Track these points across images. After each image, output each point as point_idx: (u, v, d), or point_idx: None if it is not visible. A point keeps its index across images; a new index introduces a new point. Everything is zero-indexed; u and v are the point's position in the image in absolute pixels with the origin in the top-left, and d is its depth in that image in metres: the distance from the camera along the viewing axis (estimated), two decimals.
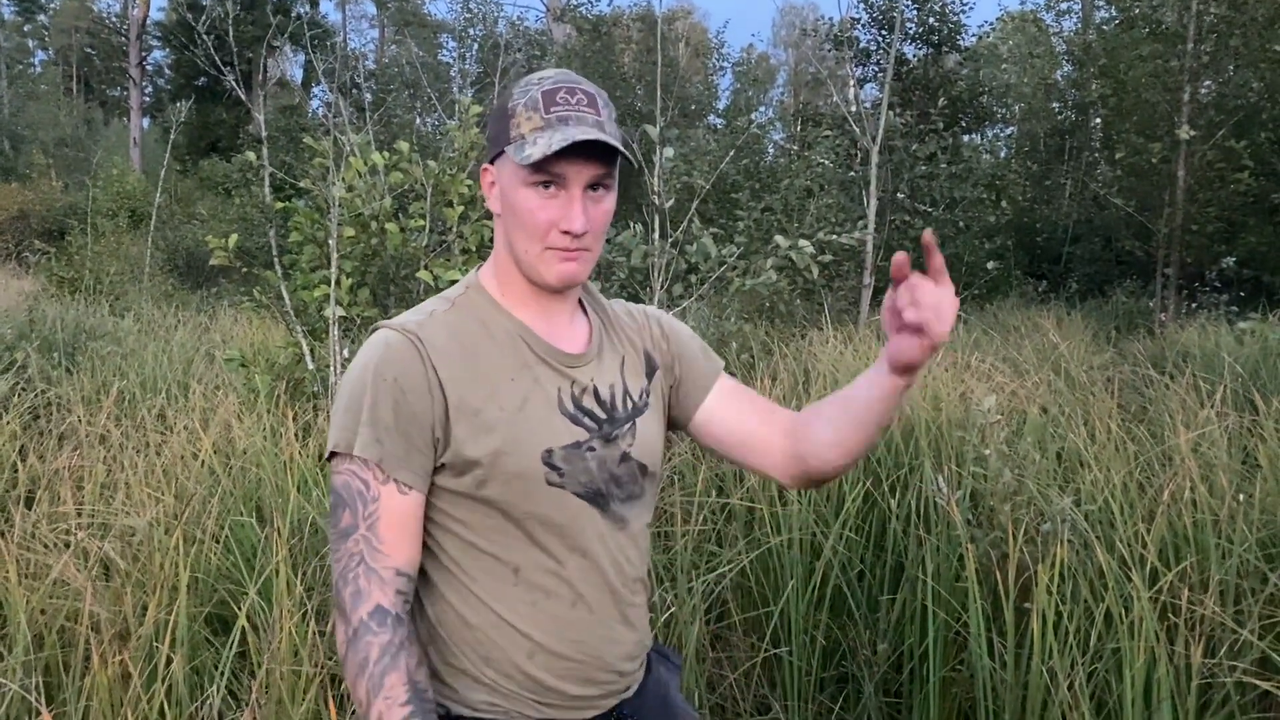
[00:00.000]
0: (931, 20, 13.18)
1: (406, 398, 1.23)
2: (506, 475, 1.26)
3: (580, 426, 1.31)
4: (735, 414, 1.46)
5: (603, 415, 1.34)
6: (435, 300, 1.36)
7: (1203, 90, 11.22)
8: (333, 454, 1.26)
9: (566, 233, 1.26)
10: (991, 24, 15.11)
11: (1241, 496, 2.80)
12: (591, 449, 1.31)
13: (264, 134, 5.71)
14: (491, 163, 1.34)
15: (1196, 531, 2.76)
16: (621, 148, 1.26)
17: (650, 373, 1.44)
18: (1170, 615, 2.46)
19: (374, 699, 1.16)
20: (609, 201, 1.31)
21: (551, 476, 1.28)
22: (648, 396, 1.42)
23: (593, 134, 1.23)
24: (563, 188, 1.26)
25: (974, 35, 13.82)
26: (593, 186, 1.28)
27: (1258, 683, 2.22)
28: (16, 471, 3.64)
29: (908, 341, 1.22)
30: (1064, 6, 19.86)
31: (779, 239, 5.17)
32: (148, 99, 30.12)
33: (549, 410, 1.30)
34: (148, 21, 26.89)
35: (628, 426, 1.36)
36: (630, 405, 1.38)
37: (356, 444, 1.23)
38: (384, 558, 1.21)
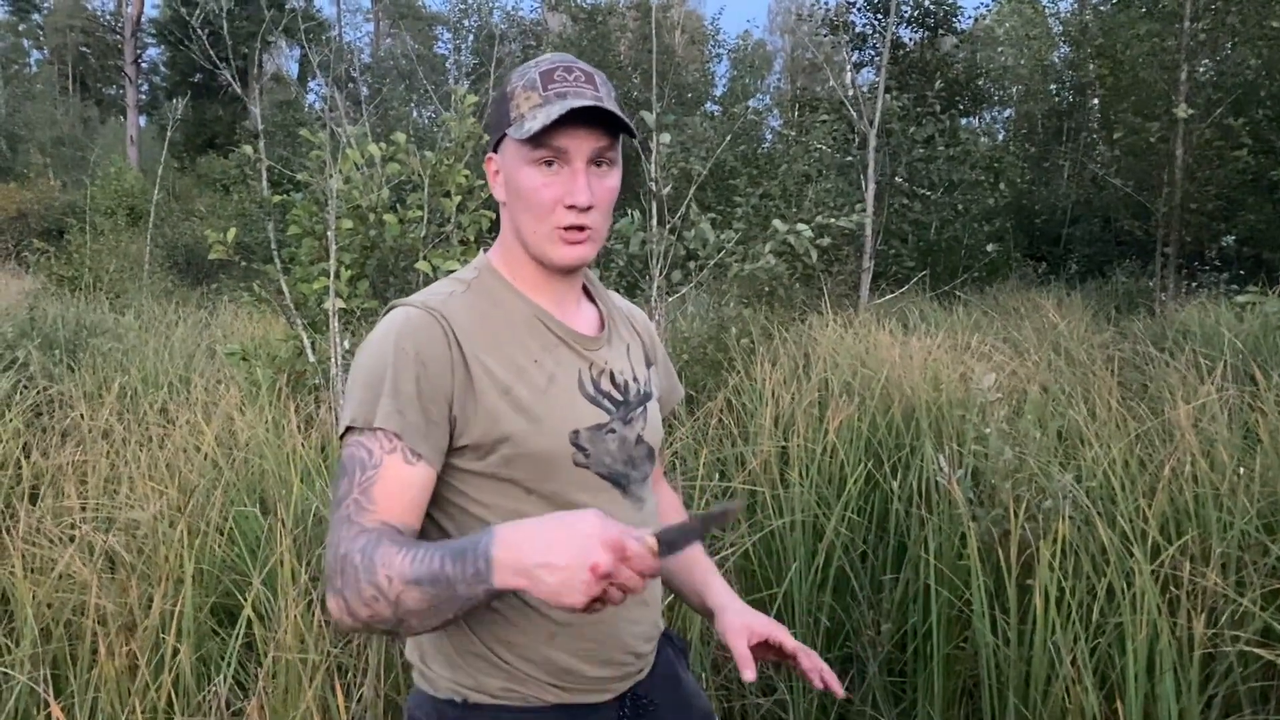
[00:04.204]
0: (927, 3, 13.14)
1: (428, 370, 1.21)
2: (534, 455, 1.25)
3: (600, 408, 1.32)
4: None
5: (619, 398, 1.35)
6: (449, 282, 1.34)
7: (1200, 68, 11.18)
8: (348, 429, 1.22)
9: (572, 207, 1.25)
10: (988, 6, 15.06)
11: (1242, 470, 2.80)
12: (612, 431, 1.32)
13: (260, 128, 5.71)
14: (495, 150, 1.32)
15: (1197, 506, 2.77)
16: (621, 114, 1.25)
17: (649, 364, 1.48)
18: (1172, 588, 2.47)
19: (376, 578, 1.07)
20: (613, 178, 1.29)
21: (578, 457, 1.28)
22: (651, 384, 1.44)
23: (590, 102, 1.22)
24: (565, 163, 1.25)
25: (970, 18, 13.79)
26: (596, 163, 1.27)
27: (1260, 652, 2.23)
28: (20, 468, 3.65)
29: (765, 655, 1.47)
30: None
31: (777, 224, 5.17)
32: (144, 97, 30.03)
33: (572, 391, 1.30)
34: (142, 19, 26.81)
35: (640, 410, 1.38)
36: (640, 390, 1.40)
37: (377, 416, 1.19)
38: (369, 514, 1.15)
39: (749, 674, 1.36)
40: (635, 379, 1.40)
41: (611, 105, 1.25)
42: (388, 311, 1.29)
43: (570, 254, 1.28)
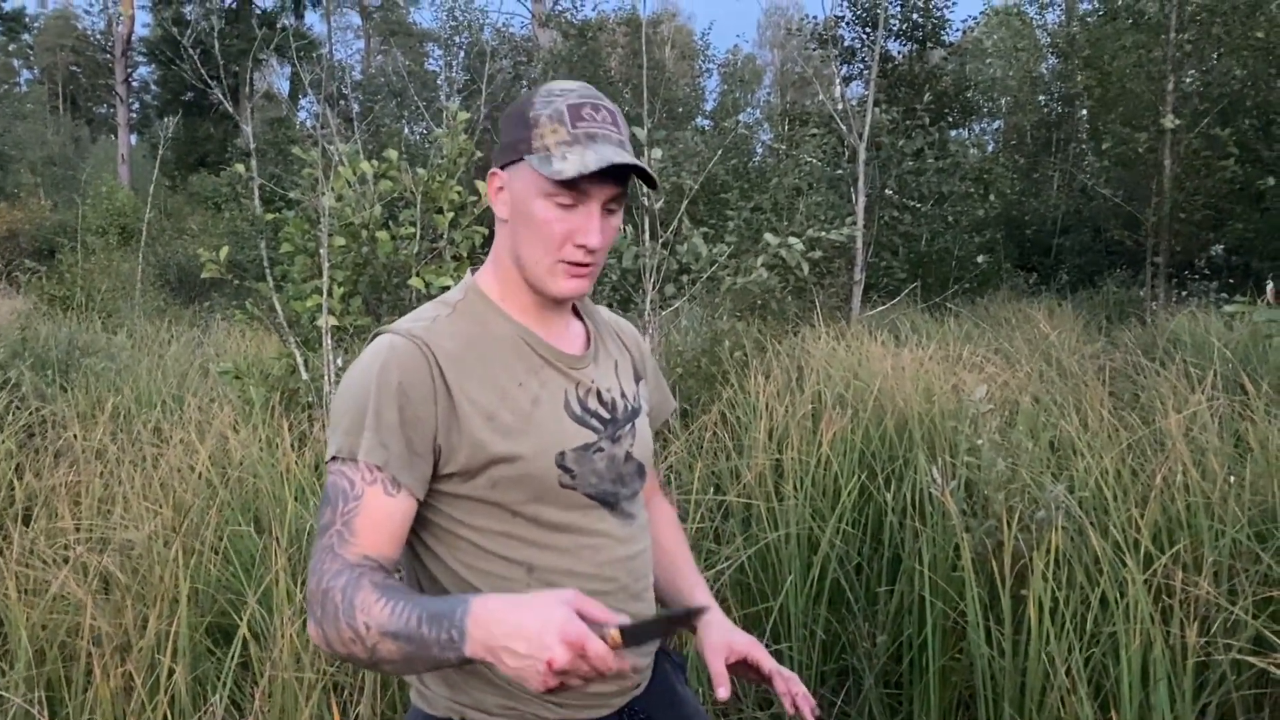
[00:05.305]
0: (915, 16, 13.23)
1: (411, 402, 1.22)
2: (519, 478, 1.26)
3: (587, 428, 1.32)
4: None
5: (607, 415, 1.35)
6: (435, 305, 1.35)
7: (1186, 79, 11.26)
8: (333, 457, 1.24)
9: (581, 246, 1.27)
10: (975, 19, 15.14)
11: (1233, 479, 2.82)
12: (600, 450, 1.32)
13: (252, 146, 5.72)
14: (503, 168, 1.32)
15: (1189, 514, 2.78)
16: (651, 171, 1.28)
17: (638, 380, 1.48)
18: (1165, 597, 2.48)
19: (355, 622, 1.10)
20: (619, 219, 1.32)
21: (564, 479, 1.28)
22: (640, 400, 1.45)
23: (625, 158, 1.24)
24: (582, 203, 1.27)
25: (958, 30, 13.86)
26: (608, 207, 1.29)
27: (1253, 660, 2.24)
28: (13, 489, 3.64)
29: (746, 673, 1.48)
30: None
31: (768, 237, 5.19)
32: (135, 115, 30.00)
33: (558, 413, 1.31)
34: (133, 38, 26.82)
35: (628, 427, 1.38)
36: (628, 406, 1.40)
37: (361, 449, 1.21)
38: (352, 546, 1.18)
39: (722, 692, 1.36)
40: (623, 395, 1.40)
41: (632, 155, 1.27)
42: (373, 338, 1.30)
43: (570, 286, 1.30)
